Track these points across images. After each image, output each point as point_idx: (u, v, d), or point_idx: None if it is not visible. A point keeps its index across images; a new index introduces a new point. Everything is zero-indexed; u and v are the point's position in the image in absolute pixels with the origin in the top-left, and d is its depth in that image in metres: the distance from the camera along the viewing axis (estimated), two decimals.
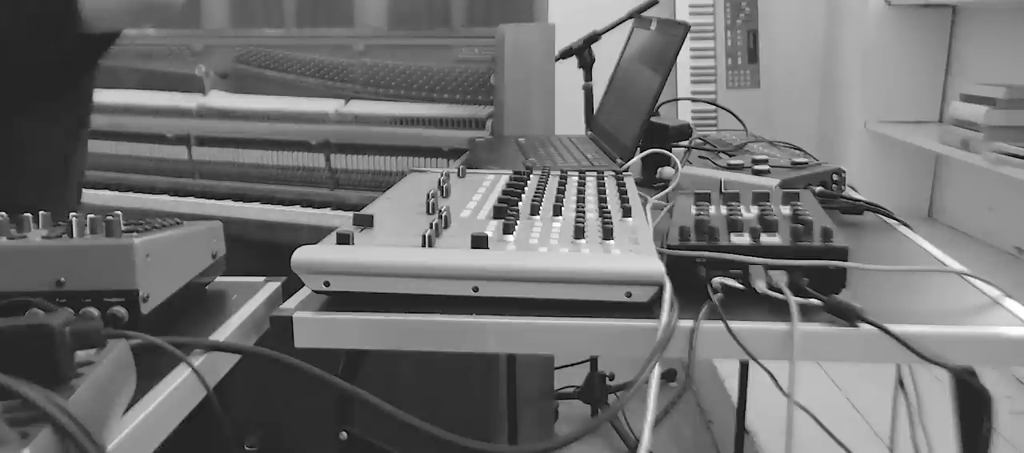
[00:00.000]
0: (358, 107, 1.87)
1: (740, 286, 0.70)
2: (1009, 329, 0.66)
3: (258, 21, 2.01)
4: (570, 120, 2.04)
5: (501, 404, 1.75)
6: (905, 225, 1.00)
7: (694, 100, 3.16)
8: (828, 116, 3.34)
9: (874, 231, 0.99)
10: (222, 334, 0.70)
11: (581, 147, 1.54)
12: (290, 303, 0.72)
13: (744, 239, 0.73)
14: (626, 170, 1.17)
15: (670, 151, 1.24)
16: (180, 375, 0.61)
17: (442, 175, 0.99)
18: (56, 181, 1.10)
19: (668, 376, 2.42)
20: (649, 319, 0.67)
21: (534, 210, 0.85)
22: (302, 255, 0.70)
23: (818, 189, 1.07)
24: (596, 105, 1.84)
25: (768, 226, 0.74)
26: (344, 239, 0.72)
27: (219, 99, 1.97)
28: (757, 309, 0.68)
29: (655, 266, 0.68)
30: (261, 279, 0.84)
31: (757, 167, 1.08)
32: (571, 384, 2.34)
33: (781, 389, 0.72)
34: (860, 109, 3.00)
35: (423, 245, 0.72)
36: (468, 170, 1.08)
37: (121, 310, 0.62)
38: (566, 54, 1.98)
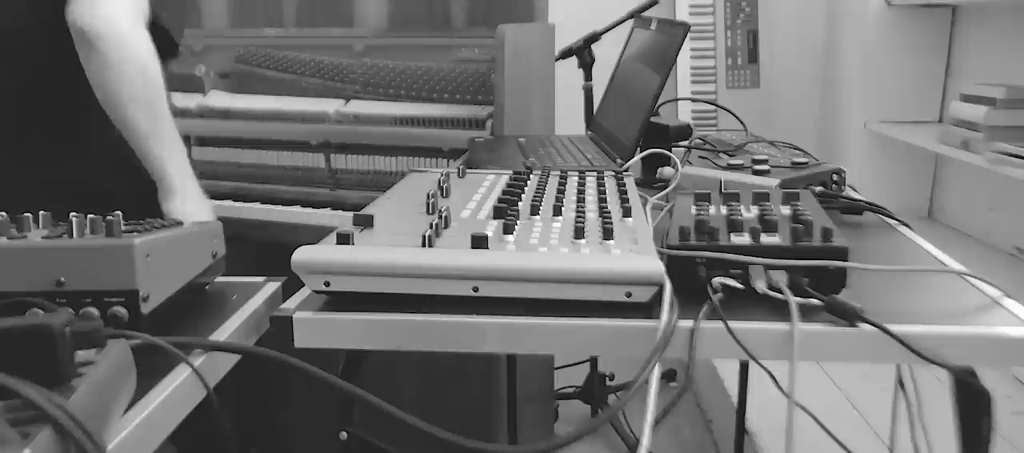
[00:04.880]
0: (358, 107, 1.86)
1: (740, 286, 0.70)
2: (1009, 329, 0.66)
3: (258, 21, 2.01)
4: (570, 120, 2.04)
5: (501, 404, 1.75)
6: (905, 225, 1.00)
7: (694, 100, 3.16)
8: (828, 116, 3.34)
9: (874, 231, 0.99)
10: (222, 334, 0.70)
11: (581, 147, 1.54)
12: (290, 303, 0.72)
13: (744, 239, 0.73)
14: (626, 170, 1.17)
15: (670, 151, 1.24)
16: (180, 375, 0.61)
17: (442, 175, 0.99)
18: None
19: (668, 376, 2.42)
20: (649, 319, 0.67)
21: (534, 210, 0.85)
22: (302, 255, 0.70)
23: (818, 189, 1.07)
24: (596, 105, 1.84)
25: (768, 226, 0.74)
26: (344, 239, 0.72)
27: (219, 99, 1.97)
28: (757, 309, 0.68)
29: (655, 266, 0.68)
30: (261, 279, 0.84)
31: (757, 167, 1.08)
32: (571, 384, 2.34)
33: (781, 389, 0.72)
34: (860, 109, 3.00)
35: (423, 245, 0.72)
36: (468, 170, 1.08)
37: (121, 310, 0.62)
38: (566, 54, 1.98)
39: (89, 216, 0.67)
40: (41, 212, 0.70)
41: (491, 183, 1.01)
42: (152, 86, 1.15)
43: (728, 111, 1.80)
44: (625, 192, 0.93)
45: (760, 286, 0.69)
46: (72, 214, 0.67)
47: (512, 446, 0.59)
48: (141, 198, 1.18)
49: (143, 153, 1.16)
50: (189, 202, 1.19)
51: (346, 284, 0.70)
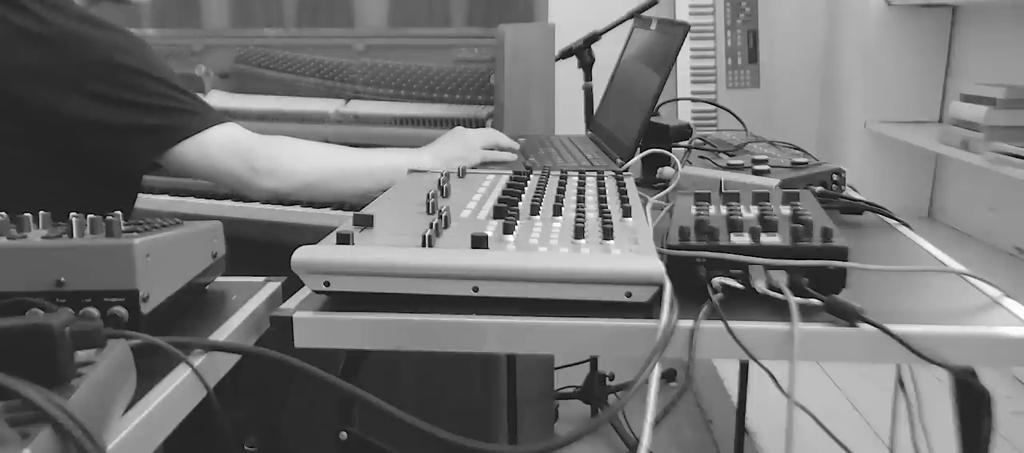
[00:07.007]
0: (358, 107, 1.86)
1: (740, 286, 0.70)
2: (1009, 329, 0.66)
3: (258, 21, 2.01)
4: (570, 120, 2.04)
5: (501, 404, 1.75)
6: (905, 225, 1.00)
7: (694, 100, 3.16)
8: (828, 116, 3.34)
9: (874, 231, 0.99)
10: (222, 334, 0.70)
11: (581, 147, 1.54)
12: (290, 303, 0.72)
13: (744, 239, 0.73)
14: (626, 170, 1.17)
15: (670, 151, 1.24)
16: (180, 375, 0.61)
17: (442, 175, 0.99)
18: None
19: (668, 376, 2.42)
20: (649, 319, 0.67)
21: (534, 210, 0.85)
22: (302, 255, 0.70)
23: (818, 189, 1.07)
24: (596, 105, 1.84)
25: (768, 226, 0.74)
26: (344, 239, 0.72)
27: (219, 99, 1.97)
28: (757, 309, 0.68)
29: (655, 266, 0.68)
30: (261, 279, 0.84)
31: (757, 167, 1.08)
32: (571, 384, 2.34)
33: (781, 389, 0.72)
34: (860, 109, 3.00)
35: (423, 245, 0.72)
36: (468, 170, 1.08)
37: (121, 310, 0.62)
38: (566, 54, 1.98)
39: (89, 216, 0.67)
40: (41, 212, 0.70)
41: (491, 183, 1.01)
42: (325, 160, 1.21)
43: (728, 111, 1.80)
44: (625, 192, 0.93)
45: (760, 286, 0.69)
46: (72, 214, 0.67)
47: (512, 446, 0.59)
48: None
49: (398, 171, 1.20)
50: (423, 154, 1.31)
51: (346, 284, 0.70)
